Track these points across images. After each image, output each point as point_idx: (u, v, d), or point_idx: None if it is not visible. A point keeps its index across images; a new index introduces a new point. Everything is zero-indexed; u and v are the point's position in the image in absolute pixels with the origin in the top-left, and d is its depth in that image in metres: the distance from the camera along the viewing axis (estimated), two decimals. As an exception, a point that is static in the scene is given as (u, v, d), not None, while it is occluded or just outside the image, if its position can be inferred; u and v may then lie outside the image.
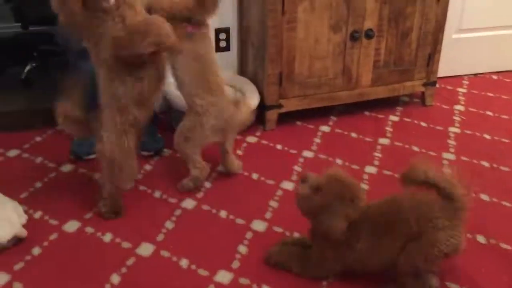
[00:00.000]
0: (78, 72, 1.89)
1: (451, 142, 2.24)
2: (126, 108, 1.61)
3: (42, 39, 2.97)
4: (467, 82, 2.82)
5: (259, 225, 1.71)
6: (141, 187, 1.90)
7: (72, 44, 1.98)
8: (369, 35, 2.28)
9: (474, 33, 2.79)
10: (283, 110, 2.30)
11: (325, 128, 2.34)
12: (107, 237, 1.65)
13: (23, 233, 1.61)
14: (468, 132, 2.32)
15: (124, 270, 1.52)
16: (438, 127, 2.36)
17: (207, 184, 1.92)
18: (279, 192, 1.88)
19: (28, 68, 2.72)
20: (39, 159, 2.04)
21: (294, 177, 1.96)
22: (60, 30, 1.82)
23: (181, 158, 1.88)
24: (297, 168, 2.03)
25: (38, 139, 2.18)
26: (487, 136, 2.29)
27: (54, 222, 1.71)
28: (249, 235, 1.67)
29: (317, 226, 1.43)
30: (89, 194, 1.83)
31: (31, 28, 2.74)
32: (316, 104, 2.35)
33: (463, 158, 2.12)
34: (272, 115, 2.30)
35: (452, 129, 2.35)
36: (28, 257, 1.56)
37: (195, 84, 1.78)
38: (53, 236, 1.64)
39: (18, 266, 1.52)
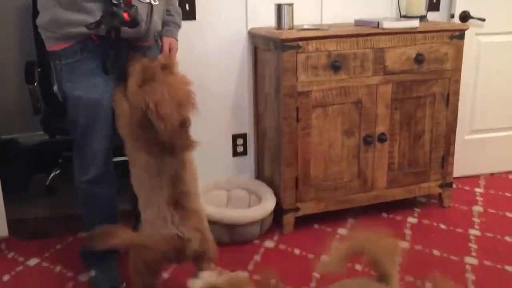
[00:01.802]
0: None
1: (473, 245, 2.19)
2: None
3: (67, 145, 3.09)
4: (483, 182, 2.82)
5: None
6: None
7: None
8: (382, 139, 2.34)
9: (486, 133, 2.84)
10: (299, 213, 2.31)
11: (342, 231, 2.32)
12: None
13: None
14: (489, 234, 2.28)
15: None
16: (458, 230, 2.33)
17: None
18: (298, 301, 1.84)
19: (52, 174, 2.81)
20: (58, 268, 2.05)
21: (313, 284, 1.92)
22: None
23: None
24: (315, 274, 1.99)
25: (58, 247, 2.20)
26: (509, 239, 2.24)
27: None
28: None
29: None
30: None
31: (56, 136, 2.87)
32: (333, 207, 2.36)
33: (486, 262, 2.06)
34: (289, 219, 2.31)
35: (472, 231, 2.31)
36: None
37: None
38: None
39: None
